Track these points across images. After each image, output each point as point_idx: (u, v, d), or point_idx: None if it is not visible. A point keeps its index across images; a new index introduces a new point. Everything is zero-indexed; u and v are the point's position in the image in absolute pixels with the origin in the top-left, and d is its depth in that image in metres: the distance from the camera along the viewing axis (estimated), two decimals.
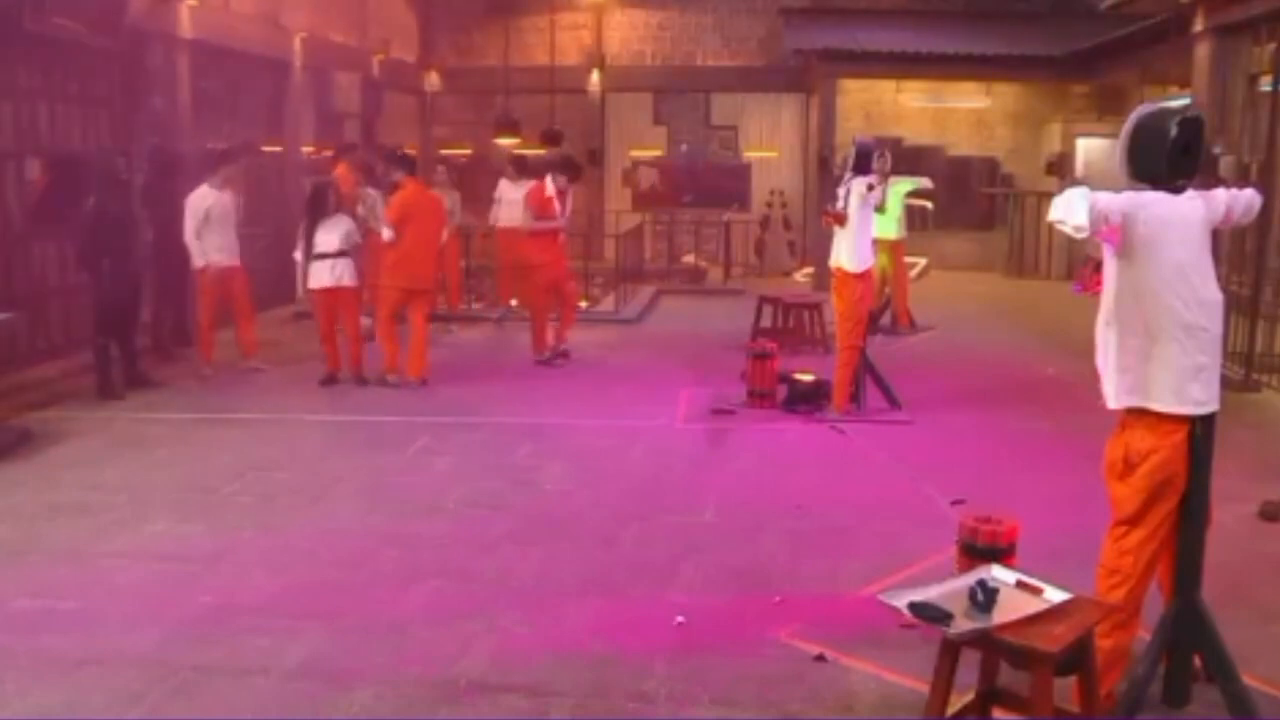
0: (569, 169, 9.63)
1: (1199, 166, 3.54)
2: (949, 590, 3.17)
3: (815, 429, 7.42)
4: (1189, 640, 3.56)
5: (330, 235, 8.43)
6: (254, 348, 9.21)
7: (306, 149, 13.17)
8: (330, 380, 8.61)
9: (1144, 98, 11.22)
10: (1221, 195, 3.62)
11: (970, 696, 3.36)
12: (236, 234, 8.99)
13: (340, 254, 8.44)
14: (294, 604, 4.48)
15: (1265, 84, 8.99)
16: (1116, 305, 3.51)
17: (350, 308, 8.66)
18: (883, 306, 11.09)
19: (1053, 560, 4.00)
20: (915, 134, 16.78)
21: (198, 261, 8.76)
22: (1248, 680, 3.54)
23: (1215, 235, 3.66)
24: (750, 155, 17.53)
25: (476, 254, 13.17)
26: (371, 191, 9.79)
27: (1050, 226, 3.91)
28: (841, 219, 7.52)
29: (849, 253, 7.53)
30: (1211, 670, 3.56)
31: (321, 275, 8.45)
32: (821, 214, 9.24)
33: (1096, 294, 3.69)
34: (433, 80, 17.52)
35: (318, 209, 8.53)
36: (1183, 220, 3.46)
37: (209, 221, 8.70)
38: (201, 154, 10.73)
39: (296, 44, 12.53)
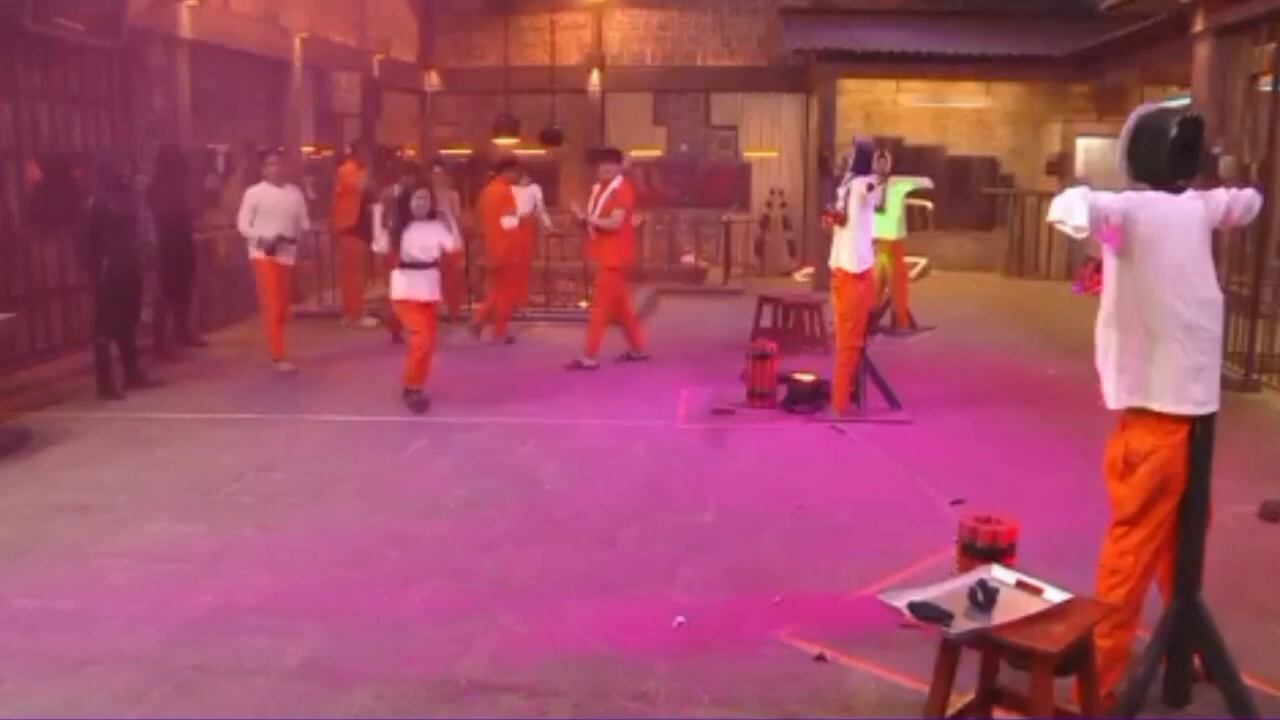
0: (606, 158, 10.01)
1: (1199, 166, 3.54)
2: (949, 590, 3.17)
3: (815, 429, 7.42)
4: (1189, 640, 3.56)
5: (428, 242, 7.74)
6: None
7: (306, 149, 13.16)
8: (424, 405, 7.84)
9: (1144, 98, 11.20)
10: (1221, 195, 3.61)
11: (970, 696, 3.36)
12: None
13: (434, 264, 7.83)
14: (294, 604, 4.49)
15: (1265, 84, 8.98)
16: (1116, 305, 3.51)
17: (433, 320, 8.07)
18: (883, 306, 11.08)
19: (1053, 560, 4.01)
20: (915, 134, 16.76)
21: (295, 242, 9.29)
22: (1248, 680, 3.54)
23: (1215, 235, 3.66)
24: (750, 155, 17.50)
25: (476, 255, 13.13)
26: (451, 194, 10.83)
27: (1050, 226, 3.92)
28: (841, 219, 7.52)
29: (849, 253, 7.53)
30: (1211, 670, 3.56)
31: (430, 286, 7.83)
32: (821, 214, 9.23)
33: (1096, 294, 3.69)
34: (433, 80, 17.49)
35: (408, 210, 7.72)
36: (1182, 220, 3.46)
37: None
38: (204, 153, 10.78)
39: (296, 44, 12.52)
